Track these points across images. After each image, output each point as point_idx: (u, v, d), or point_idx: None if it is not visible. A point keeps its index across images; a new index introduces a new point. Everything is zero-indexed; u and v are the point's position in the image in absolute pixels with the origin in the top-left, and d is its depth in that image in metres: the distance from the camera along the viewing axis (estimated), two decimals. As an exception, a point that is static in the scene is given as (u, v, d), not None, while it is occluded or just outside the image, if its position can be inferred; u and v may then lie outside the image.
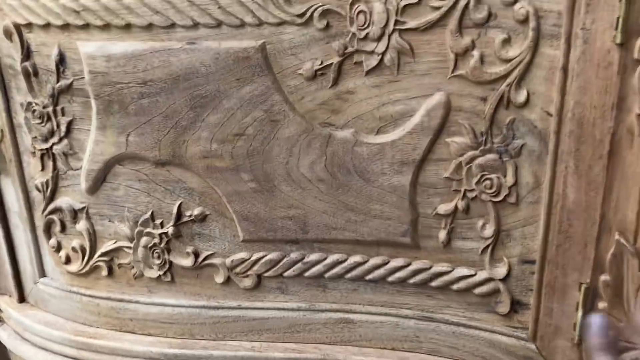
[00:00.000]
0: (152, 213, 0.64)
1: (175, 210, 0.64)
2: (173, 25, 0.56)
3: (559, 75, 0.50)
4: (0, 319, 0.76)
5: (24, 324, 0.73)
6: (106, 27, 0.57)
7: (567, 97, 0.50)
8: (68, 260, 0.69)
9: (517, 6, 0.50)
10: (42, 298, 0.73)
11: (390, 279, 0.63)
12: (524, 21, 0.50)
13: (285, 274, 0.65)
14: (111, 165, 0.63)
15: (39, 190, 0.67)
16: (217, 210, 0.63)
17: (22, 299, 0.75)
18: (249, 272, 0.65)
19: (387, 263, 0.62)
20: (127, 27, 0.57)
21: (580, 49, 0.49)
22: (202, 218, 0.64)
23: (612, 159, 0.50)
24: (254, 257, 0.64)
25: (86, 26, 0.58)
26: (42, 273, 0.72)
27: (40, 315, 0.73)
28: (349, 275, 0.64)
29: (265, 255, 0.64)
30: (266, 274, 0.65)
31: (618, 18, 0.46)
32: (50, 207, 0.67)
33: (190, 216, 0.64)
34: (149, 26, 0.57)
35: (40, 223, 0.69)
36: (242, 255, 0.65)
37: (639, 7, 0.46)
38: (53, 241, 0.69)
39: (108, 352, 0.68)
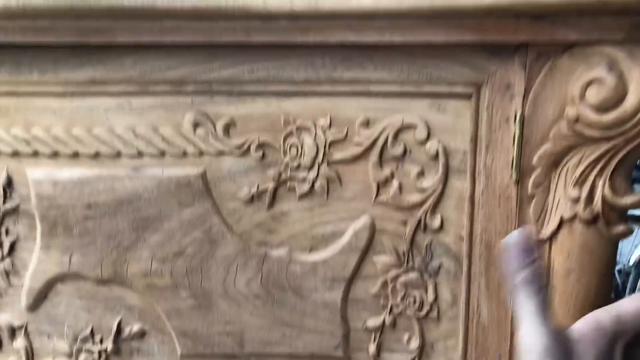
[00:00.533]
0: (92, 329, 0.66)
1: (114, 327, 0.65)
2: (118, 154, 0.61)
3: (467, 205, 0.57)
4: None
5: None
6: (54, 155, 0.61)
7: (475, 224, 0.57)
8: (3, 379, 0.69)
9: (428, 145, 0.57)
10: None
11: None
12: (435, 157, 0.57)
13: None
14: (53, 284, 0.65)
15: (-22, 311, 0.68)
16: (156, 326, 0.65)
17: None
18: (187, 387, 0.67)
19: (321, 375, 0.65)
20: (75, 155, 0.61)
21: (483, 183, 0.56)
22: (141, 334, 0.66)
23: (516, 280, 0.56)
24: (194, 372, 0.66)
25: (35, 154, 0.61)
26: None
27: None
28: (285, 389, 0.66)
29: (224, 366, 0.66)
30: (213, 387, 0.67)
31: (512, 159, 0.54)
32: (-12, 324, 0.68)
33: (129, 332, 0.65)
34: (96, 155, 0.61)
35: (-24, 340, 0.69)
36: (176, 370, 0.66)
37: (529, 150, 0.53)
38: (-12, 359, 0.69)
39: None
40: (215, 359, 0.66)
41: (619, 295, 2.31)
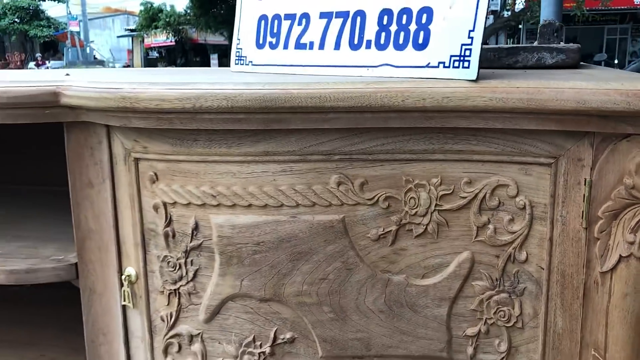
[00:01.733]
0: (254, 337, 0.87)
1: (272, 335, 0.86)
2: (281, 205, 0.82)
3: (547, 244, 0.77)
4: None
5: None
6: (233, 206, 0.82)
7: (553, 258, 0.77)
8: (181, 375, 0.90)
9: (517, 199, 0.77)
10: (153, 404, 0.93)
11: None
12: (523, 208, 0.77)
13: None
14: (225, 302, 0.86)
15: (163, 320, 0.89)
16: (303, 334, 0.86)
17: (133, 406, 0.94)
18: (325, 381, 0.87)
19: (428, 371, 0.85)
20: (249, 206, 0.82)
21: (560, 228, 0.75)
22: (292, 340, 0.86)
23: (585, 300, 0.76)
24: (329, 369, 0.87)
25: (218, 205, 0.82)
26: (157, 386, 0.92)
27: None
28: (400, 382, 0.86)
29: (339, 368, 0.86)
30: (340, 383, 0.87)
31: (582, 212, 0.74)
32: (171, 332, 0.89)
33: (282, 339, 0.86)
34: (264, 206, 0.82)
35: (159, 345, 0.90)
36: (320, 368, 0.87)
37: (595, 206, 0.73)
38: (170, 359, 0.90)
39: None
40: (348, 359, 0.86)
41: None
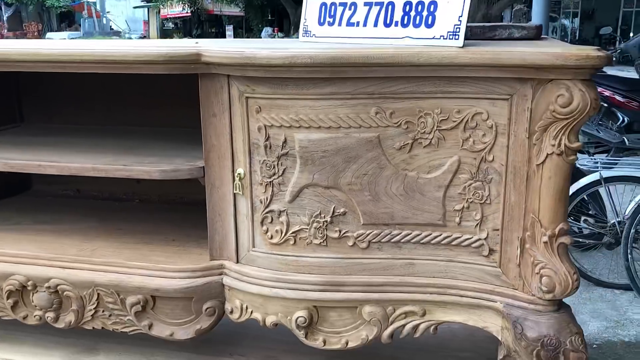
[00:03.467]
0: (320, 211, 1.36)
1: (331, 210, 1.35)
2: (339, 127, 1.30)
3: (505, 149, 1.25)
4: (225, 272, 1.45)
5: (242, 272, 1.42)
6: (309, 127, 1.31)
7: (509, 157, 1.26)
8: (271, 237, 1.40)
9: (488, 121, 1.25)
10: (252, 259, 1.43)
11: (422, 240, 1.35)
12: (491, 127, 1.25)
13: (382, 240, 1.36)
14: (302, 189, 1.35)
15: (261, 202, 1.38)
16: (351, 210, 1.35)
17: (237, 260, 1.44)
18: (364, 239, 1.36)
19: (428, 234, 1.35)
20: (319, 127, 1.30)
21: (513, 138, 1.24)
22: (344, 213, 1.35)
23: (527, 183, 1.24)
24: (367, 232, 1.36)
25: (299, 127, 1.31)
26: (253, 245, 1.42)
27: (249, 268, 1.42)
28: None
29: (373, 231, 1.36)
30: (373, 241, 1.36)
31: (526, 128, 1.22)
32: (267, 210, 1.38)
33: (338, 212, 1.35)
34: (329, 127, 1.30)
35: (258, 219, 1.40)
36: (361, 231, 1.36)
37: (533, 124, 1.22)
38: (265, 227, 1.40)
39: (288, 279, 1.38)
40: (379, 225, 1.35)
41: (619, 240, 2.97)
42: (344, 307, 1.40)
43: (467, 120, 1.26)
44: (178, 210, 1.88)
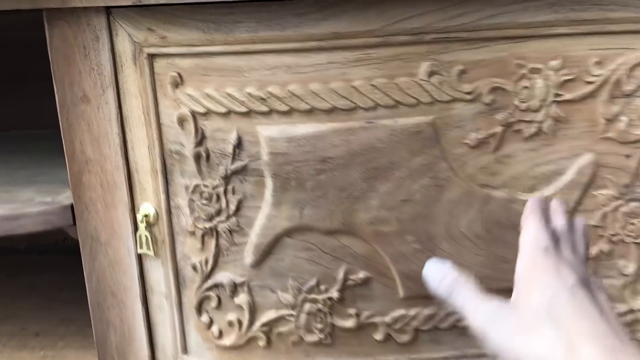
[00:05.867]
0: (317, 280, 0.68)
1: (340, 276, 0.67)
2: (354, 108, 0.62)
3: (698, 135, 0.61)
4: (132, 403, 0.75)
5: (167, 405, 0.72)
6: (289, 112, 0.62)
7: None
8: (221, 335, 0.71)
9: (662, 80, 0.60)
10: (184, 376, 0.73)
11: (535, 319, 0.70)
12: (667, 92, 0.61)
13: (441, 325, 0.70)
14: (280, 238, 0.66)
15: (195, 269, 0.68)
16: (380, 272, 0.68)
17: (157, 380, 0.75)
18: (407, 328, 0.70)
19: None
20: (310, 111, 0.62)
21: None
22: (365, 281, 0.68)
23: None
24: (412, 313, 0.69)
25: (269, 112, 0.62)
26: (184, 351, 0.73)
27: (183, 395, 0.73)
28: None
29: (423, 310, 0.69)
30: (423, 328, 0.70)
31: None
32: (207, 283, 0.69)
33: (354, 280, 0.68)
34: (332, 109, 0.62)
35: (190, 301, 0.70)
36: (401, 312, 0.69)
37: None
38: (205, 317, 0.70)
39: (269, 421, 0.70)
40: (435, 298, 0.69)
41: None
42: None
43: (619, 79, 0.61)
44: (54, 267, 1.13)
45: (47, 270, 1.11)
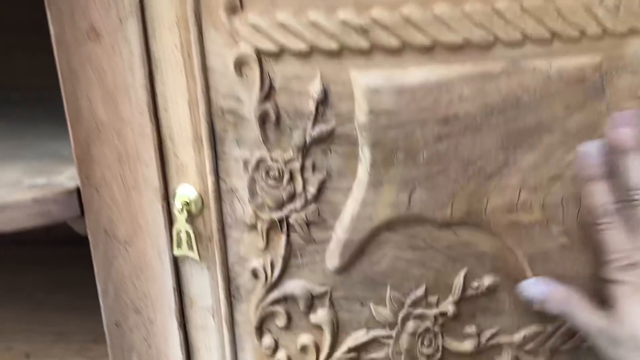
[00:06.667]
0: (425, 289, 0.49)
1: (460, 282, 0.49)
2: (493, 43, 0.42)
3: None
4: None
5: None
6: (399, 50, 0.42)
7: None
8: (289, 364, 0.52)
9: None
10: (237, 418, 0.54)
11: None
12: None
13: (582, 345, 0.52)
14: (377, 233, 0.47)
15: (255, 276, 0.49)
16: (511, 277, 0.49)
17: (198, 421, 0.56)
18: (540, 349, 0.52)
19: None
20: (431, 48, 0.42)
21: None
22: (491, 289, 0.49)
23: None
24: (549, 329, 0.51)
25: (370, 50, 0.42)
26: (239, 385, 0.54)
27: None
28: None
29: (562, 325, 0.51)
30: (562, 348, 0.52)
31: None
32: (274, 295, 0.49)
33: (477, 288, 0.49)
34: (461, 46, 0.42)
35: (247, 319, 0.51)
36: (534, 328, 0.51)
37: None
38: (268, 340, 0.51)
39: None
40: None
41: None
42: None
43: None
44: (42, 261, 0.92)
45: (34, 265, 0.90)
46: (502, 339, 0.51)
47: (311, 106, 0.44)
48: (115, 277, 0.52)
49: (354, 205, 0.46)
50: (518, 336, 0.51)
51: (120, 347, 0.54)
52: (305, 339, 0.51)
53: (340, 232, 0.47)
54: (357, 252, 0.48)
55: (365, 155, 0.45)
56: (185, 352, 0.53)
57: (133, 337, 0.54)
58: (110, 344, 0.54)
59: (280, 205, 0.47)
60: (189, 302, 0.52)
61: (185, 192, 0.48)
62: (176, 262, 0.51)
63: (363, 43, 0.42)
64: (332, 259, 0.48)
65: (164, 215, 0.49)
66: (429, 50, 0.42)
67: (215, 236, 0.49)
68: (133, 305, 0.53)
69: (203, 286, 0.51)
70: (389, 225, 0.47)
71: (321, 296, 0.49)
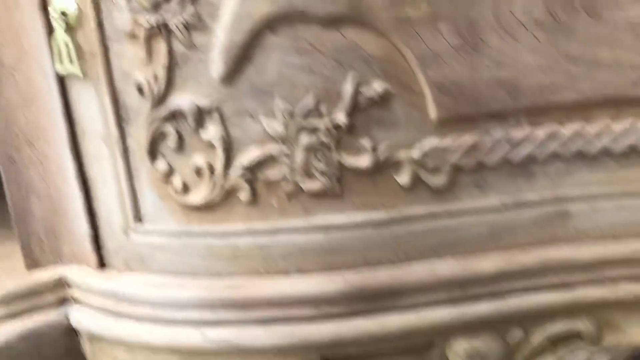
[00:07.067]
0: (317, 100, 0.48)
1: (348, 90, 0.48)
2: None
3: None
4: (70, 299, 0.55)
5: (119, 294, 0.52)
6: None
7: None
8: (186, 189, 0.51)
9: None
10: (139, 254, 0.53)
11: (615, 148, 0.51)
12: None
13: (486, 160, 0.51)
14: (259, 34, 0.46)
15: (141, 92, 0.48)
16: (403, 84, 0.48)
17: (102, 262, 0.54)
18: (442, 165, 0.50)
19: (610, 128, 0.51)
20: None
21: None
22: (384, 97, 0.48)
23: None
24: (448, 143, 0.50)
25: None
26: (137, 217, 0.52)
27: (139, 279, 0.53)
28: (562, 152, 0.51)
29: (463, 139, 0.50)
30: (463, 163, 0.51)
31: None
32: (160, 111, 0.48)
33: (368, 96, 0.48)
34: None
35: (138, 141, 0.50)
36: (433, 141, 0.50)
37: None
38: (162, 164, 0.50)
39: (258, 304, 0.50)
40: (478, 122, 0.50)
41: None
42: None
43: None
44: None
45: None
46: (400, 154, 0.50)
47: None
48: (5, 108, 0.51)
49: (232, 2, 0.45)
50: (416, 151, 0.50)
51: (16, 186, 0.53)
52: (198, 159, 0.50)
53: (221, 33, 0.46)
54: (241, 57, 0.47)
55: (238, -56, 0.44)
56: (83, 186, 0.52)
57: (29, 174, 0.53)
58: (6, 183, 0.53)
59: (156, 6, 0.45)
60: (81, 131, 0.51)
61: (62, 2, 0.47)
62: (64, 85, 0.49)
63: None
64: (216, 66, 0.47)
65: (44, 28, 0.47)
66: None
67: (98, 50, 0.47)
68: (25, 137, 0.51)
69: (92, 109, 0.50)
70: (271, 25, 0.46)
71: (210, 110, 0.48)
